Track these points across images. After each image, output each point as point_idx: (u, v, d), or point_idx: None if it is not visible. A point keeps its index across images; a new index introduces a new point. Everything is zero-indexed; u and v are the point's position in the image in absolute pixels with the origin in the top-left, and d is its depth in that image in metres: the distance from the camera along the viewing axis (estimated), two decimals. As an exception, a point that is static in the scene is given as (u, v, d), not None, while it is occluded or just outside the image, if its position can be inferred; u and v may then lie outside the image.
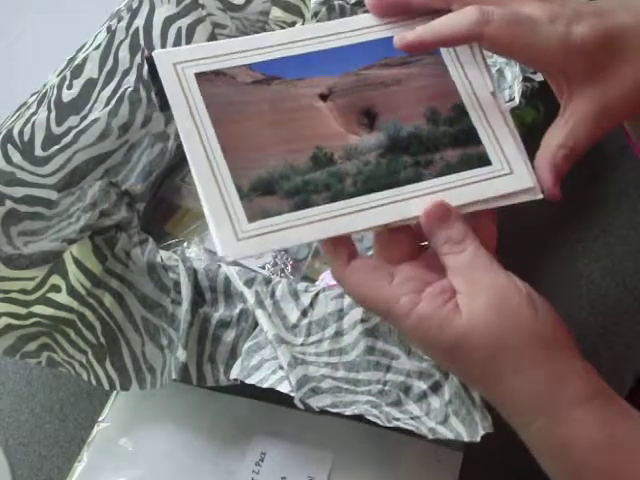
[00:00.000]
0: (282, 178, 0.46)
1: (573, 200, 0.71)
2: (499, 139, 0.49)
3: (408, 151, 0.48)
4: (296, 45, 0.49)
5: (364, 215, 0.46)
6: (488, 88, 0.50)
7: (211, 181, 0.45)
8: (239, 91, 0.48)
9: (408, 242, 0.48)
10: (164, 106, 0.47)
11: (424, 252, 0.49)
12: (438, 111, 0.50)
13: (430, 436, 0.51)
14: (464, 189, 0.48)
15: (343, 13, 0.76)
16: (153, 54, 0.48)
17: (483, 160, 0.49)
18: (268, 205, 0.45)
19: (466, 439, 0.50)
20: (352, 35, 0.50)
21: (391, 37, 0.49)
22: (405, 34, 0.49)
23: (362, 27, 0.50)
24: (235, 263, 0.61)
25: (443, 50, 0.51)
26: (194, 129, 0.46)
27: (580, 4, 0.49)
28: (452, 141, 0.49)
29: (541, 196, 0.49)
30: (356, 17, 0.51)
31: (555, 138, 0.49)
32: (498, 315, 0.44)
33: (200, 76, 0.48)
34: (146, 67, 0.60)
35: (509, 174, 0.48)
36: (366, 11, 0.77)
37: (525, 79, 0.67)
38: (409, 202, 0.47)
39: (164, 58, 0.48)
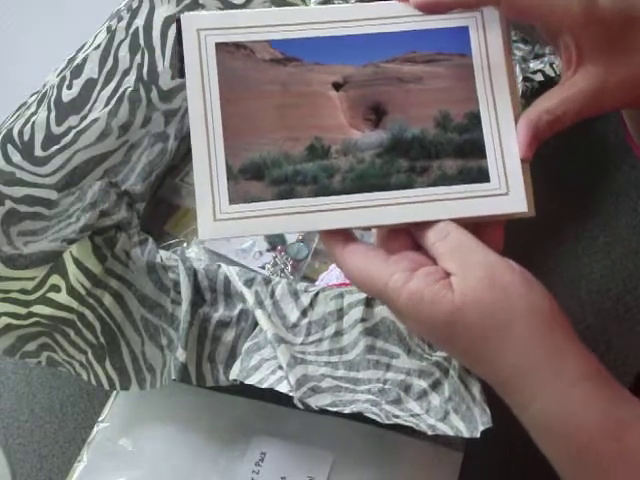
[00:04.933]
0: (274, 165, 0.47)
1: (573, 200, 0.71)
2: (505, 156, 0.48)
3: (407, 154, 0.48)
4: (322, 26, 0.48)
5: (345, 214, 0.46)
6: (510, 103, 0.49)
7: (205, 156, 0.46)
8: (255, 68, 0.48)
9: (408, 236, 0.48)
10: (181, 73, 0.48)
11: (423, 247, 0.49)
12: (450, 116, 0.48)
13: (430, 432, 0.51)
14: (454, 203, 0.47)
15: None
16: (181, 16, 0.48)
17: (482, 175, 0.48)
18: (252, 190, 0.46)
19: (466, 435, 0.50)
20: (381, 23, 0.49)
21: (421, 30, 0.48)
22: None
23: (393, 16, 0.49)
24: (224, 259, 0.61)
25: (475, 52, 0.49)
26: (201, 103, 0.47)
27: None
28: (455, 150, 0.48)
29: (532, 213, 0.48)
30: (389, 3, 0.49)
31: (546, 102, 0.48)
32: (490, 292, 0.44)
33: (220, 46, 0.48)
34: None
35: (505, 194, 0.48)
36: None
37: (525, 79, 0.67)
38: (394, 208, 0.47)
39: (190, 22, 0.48)
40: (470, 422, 0.51)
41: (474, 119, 0.49)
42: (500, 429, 0.50)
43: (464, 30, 0.49)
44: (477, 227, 0.47)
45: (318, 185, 0.46)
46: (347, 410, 0.52)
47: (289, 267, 0.65)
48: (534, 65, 0.70)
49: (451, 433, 0.51)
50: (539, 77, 0.68)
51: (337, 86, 0.48)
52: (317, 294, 0.58)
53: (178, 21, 0.48)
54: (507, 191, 0.48)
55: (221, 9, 0.73)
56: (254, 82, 0.48)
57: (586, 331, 0.66)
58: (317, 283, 0.64)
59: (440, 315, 0.44)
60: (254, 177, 0.46)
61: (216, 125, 0.47)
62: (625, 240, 0.70)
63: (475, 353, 0.45)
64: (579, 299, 0.67)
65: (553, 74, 0.68)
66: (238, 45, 0.48)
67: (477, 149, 0.48)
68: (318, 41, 0.48)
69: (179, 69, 0.48)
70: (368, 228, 0.49)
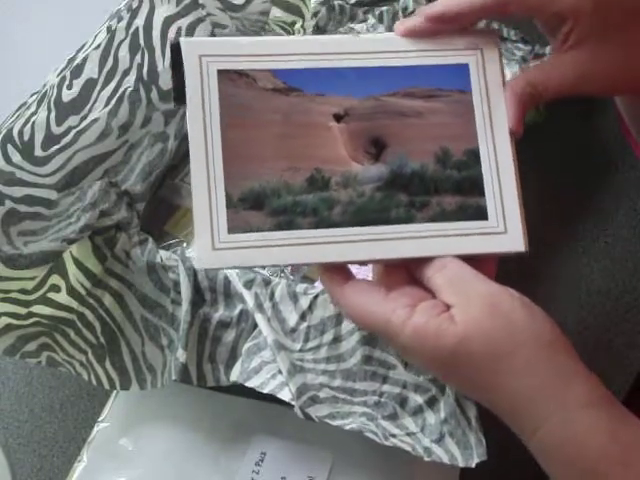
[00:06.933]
0: (273, 194, 0.46)
1: (573, 200, 0.71)
2: (503, 194, 0.48)
3: (407, 189, 0.48)
4: (325, 57, 0.48)
5: (344, 247, 0.46)
6: (509, 141, 0.49)
7: (204, 184, 0.46)
8: (256, 96, 0.48)
9: (404, 270, 0.48)
10: (178, 99, 0.47)
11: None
12: (450, 153, 0.49)
13: (426, 457, 0.51)
14: (452, 240, 0.47)
15: (343, 13, 0.76)
16: (181, 41, 0.47)
17: (480, 213, 0.48)
18: (252, 220, 0.46)
19: (461, 464, 0.50)
20: (383, 57, 0.49)
21: (423, 66, 0.49)
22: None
23: (395, 50, 0.49)
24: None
25: (475, 89, 0.49)
26: (202, 130, 0.46)
27: None
28: (454, 187, 0.48)
29: (527, 251, 0.48)
30: (392, 39, 0.50)
31: (530, 75, 0.49)
32: (492, 320, 0.44)
33: (222, 73, 0.47)
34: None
35: (502, 233, 0.48)
36: (366, 12, 0.77)
37: (525, 79, 0.67)
38: (393, 243, 0.47)
39: (192, 48, 0.47)
40: (465, 449, 0.51)
41: (473, 156, 0.49)
42: (500, 431, 0.50)
43: (464, 67, 0.49)
44: (471, 258, 0.48)
45: (318, 217, 0.46)
46: (347, 427, 0.52)
47: (289, 267, 0.65)
48: (534, 65, 0.70)
49: (446, 459, 0.51)
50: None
51: (338, 118, 0.48)
52: (316, 297, 0.58)
53: (176, 46, 0.47)
54: (505, 230, 0.48)
55: (221, 9, 0.73)
56: (255, 111, 0.47)
57: (586, 331, 0.66)
58: (317, 284, 0.64)
59: (444, 348, 0.44)
60: (253, 207, 0.46)
61: (216, 152, 0.46)
62: (625, 240, 0.70)
63: (480, 382, 0.45)
64: (579, 299, 0.67)
65: (553, 74, 0.68)
66: (240, 73, 0.47)
67: (476, 187, 0.48)
68: (320, 72, 0.48)
69: (175, 93, 0.47)
70: (366, 263, 0.49)
